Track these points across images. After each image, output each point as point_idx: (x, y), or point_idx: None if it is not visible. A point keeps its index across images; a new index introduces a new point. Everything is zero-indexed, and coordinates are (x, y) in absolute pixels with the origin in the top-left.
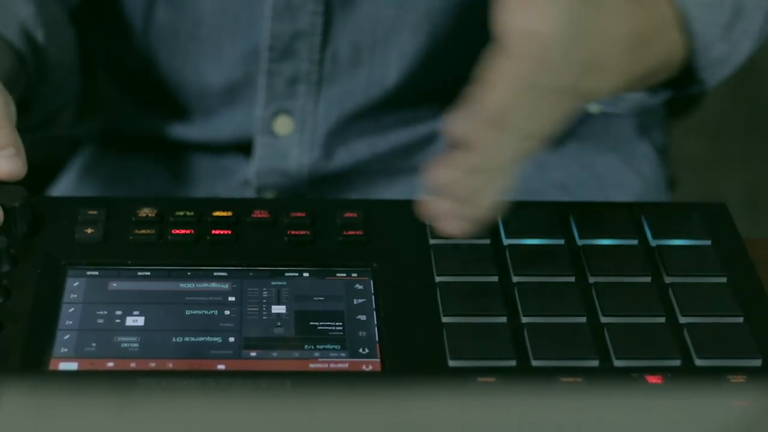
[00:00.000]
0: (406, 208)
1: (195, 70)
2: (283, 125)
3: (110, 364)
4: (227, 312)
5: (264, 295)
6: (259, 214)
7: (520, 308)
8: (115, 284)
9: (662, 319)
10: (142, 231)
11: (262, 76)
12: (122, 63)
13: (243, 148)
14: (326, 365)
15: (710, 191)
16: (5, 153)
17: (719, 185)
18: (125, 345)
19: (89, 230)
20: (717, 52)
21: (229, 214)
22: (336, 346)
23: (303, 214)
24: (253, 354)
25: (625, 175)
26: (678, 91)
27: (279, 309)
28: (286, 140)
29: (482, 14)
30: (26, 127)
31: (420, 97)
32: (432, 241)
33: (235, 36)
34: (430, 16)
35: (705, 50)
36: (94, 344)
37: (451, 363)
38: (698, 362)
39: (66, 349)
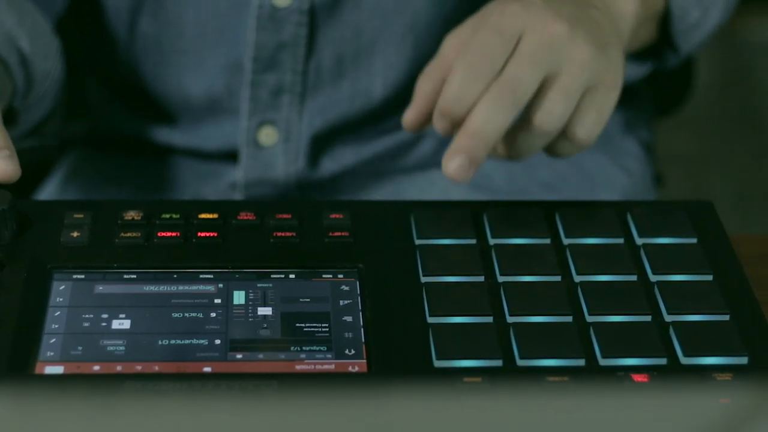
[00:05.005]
0: (392, 208)
1: (178, 80)
2: (267, 136)
3: (96, 368)
4: (213, 314)
5: (250, 297)
6: (245, 216)
7: (506, 308)
8: (101, 287)
9: (648, 318)
10: (128, 234)
11: (245, 88)
12: (108, 71)
13: (231, 155)
14: (312, 366)
15: (698, 188)
16: (1, 155)
17: (707, 182)
18: (111, 348)
19: (75, 234)
20: (692, 18)
21: (215, 216)
22: (322, 348)
23: (289, 216)
24: (239, 356)
25: (612, 173)
26: (656, 60)
27: (265, 311)
28: (271, 151)
29: None
30: (13, 137)
31: (405, 106)
32: (418, 242)
33: (218, 47)
34: (414, 27)
35: (682, 15)
36: (80, 348)
37: (438, 363)
38: (684, 360)
39: (52, 353)
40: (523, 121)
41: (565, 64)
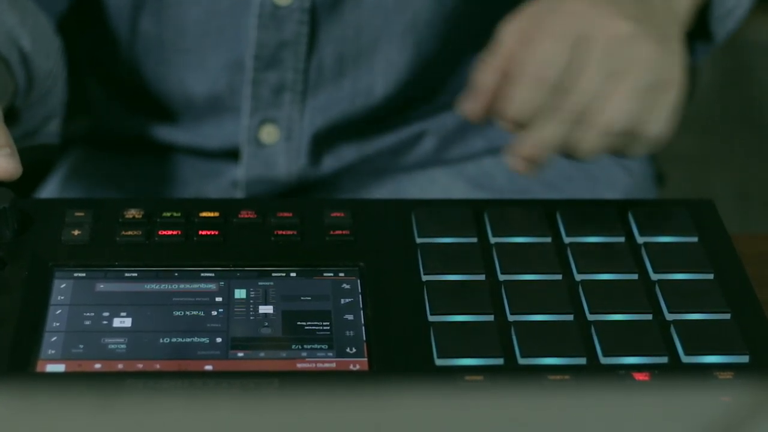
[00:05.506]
0: (393, 207)
1: (179, 79)
2: (269, 134)
3: (97, 366)
4: (214, 312)
5: (251, 295)
6: (246, 214)
7: (507, 306)
8: (102, 285)
9: (649, 316)
10: (130, 232)
11: (247, 86)
12: (109, 70)
13: (232, 154)
14: (313, 365)
15: (699, 187)
16: (1, 153)
17: (708, 181)
18: (112, 346)
19: (76, 232)
20: (730, 2)
21: (216, 214)
22: (323, 346)
23: (290, 214)
24: (240, 354)
25: (613, 172)
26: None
27: (266, 309)
28: (273, 149)
29: (469, 24)
30: (15, 137)
31: (407, 104)
32: (419, 240)
33: (220, 46)
34: (416, 26)
35: (720, 0)
36: (81, 346)
37: (439, 362)
38: (685, 359)
39: (53, 351)
40: (589, 122)
41: (631, 65)
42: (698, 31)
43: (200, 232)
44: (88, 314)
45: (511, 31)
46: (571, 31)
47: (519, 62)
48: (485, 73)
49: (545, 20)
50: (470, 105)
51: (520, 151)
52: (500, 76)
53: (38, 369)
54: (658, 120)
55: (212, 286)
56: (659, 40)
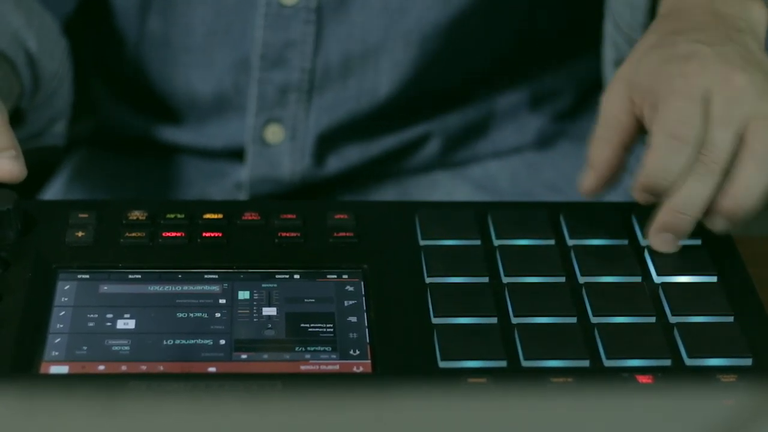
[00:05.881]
0: (397, 209)
1: (186, 79)
2: (274, 134)
3: (101, 368)
4: (218, 314)
5: (255, 297)
6: (249, 216)
7: (510, 309)
8: (105, 287)
9: (653, 319)
10: (133, 234)
11: (253, 85)
12: (115, 70)
13: (236, 154)
14: (317, 367)
15: None
16: (6, 154)
17: None
18: (116, 348)
19: (80, 233)
20: None
21: (220, 216)
22: (327, 348)
23: (293, 216)
24: (243, 356)
25: None
26: None
27: (270, 311)
28: (278, 149)
29: (474, 25)
30: (20, 138)
31: (412, 104)
32: (422, 243)
33: (226, 45)
34: (421, 26)
35: None
36: (85, 347)
37: (442, 364)
38: (689, 362)
39: (57, 353)
40: (724, 190)
41: (757, 121)
42: None
43: (204, 234)
44: (91, 316)
45: (614, 101)
46: (695, 90)
47: (656, 135)
48: (600, 146)
49: (664, 86)
50: (588, 181)
51: (664, 221)
52: (618, 149)
53: (42, 370)
54: None
55: (216, 288)
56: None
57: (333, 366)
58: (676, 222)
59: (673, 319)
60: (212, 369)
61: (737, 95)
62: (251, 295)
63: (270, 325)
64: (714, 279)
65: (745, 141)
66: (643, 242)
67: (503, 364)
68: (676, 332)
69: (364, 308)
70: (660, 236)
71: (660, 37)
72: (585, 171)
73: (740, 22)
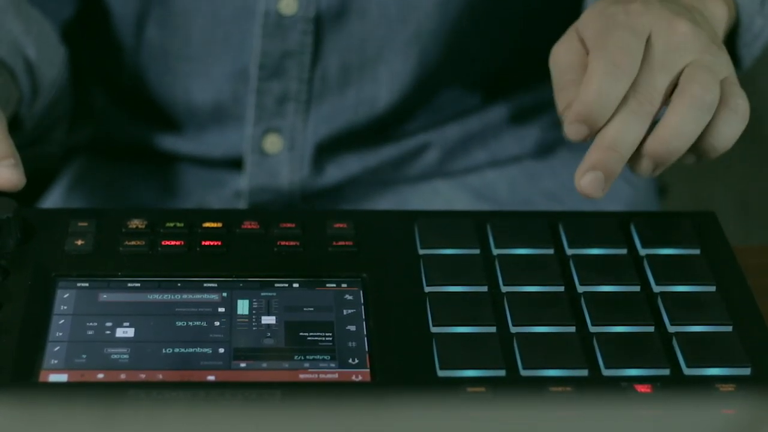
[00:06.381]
0: (395, 218)
1: (184, 88)
2: (272, 144)
3: (100, 376)
4: (217, 323)
5: (254, 306)
6: (248, 225)
7: (509, 318)
8: (105, 296)
9: (651, 329)
10: (133, 242)
11: (251, 95)
12: (114, 79)
13: (235, 163)
14: (316, 376)
15: (701, 199)
16: (6, 163)
17: (711, 193)
18: (115, 356)
19: (79, 242)
20: (757, 27)
21: (219, 225)
22: (326, 357)
23: (293, 225)
24: (242, 365)
25: (615, 184)
26: None
27: (269, 320)
28: (276, 158)
29: (472, 35)
30: (19, 145)
31: (411, 114)
32: (422, 251)
33: (224, 55)
34: (420, 36)
35: (748, 24)
36: (84, 356)
37: (441, 373)
38: (687, 371)
39: (56, 361)
40: (654, 133)
41: (693, 66)
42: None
43: (203, 243)
44: (91, 324)
45: (564, 45)
46: (638, 26)
47: (594, 57)
48: (567, 92)
49: (612, 19)
50: (575, 131)
51: (593, 159)
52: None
53: (41, 379)
54: (730, 124)
55: (215, 297)
56: (717, 42)
57: (332, 375)
58: (607, 159)
59: (671, 329)
60: (211, 377)
61: (680, 41)
62: (250, 303)
63: (269, 334)
64: (713, 288)
65: (680, 85)
66: (642, 251)
67: (502, 373)
68: (674, 342)
69: (363, 317)
70: (588, 176)
71: None
72: (565, 123)
73: (698, 16)
